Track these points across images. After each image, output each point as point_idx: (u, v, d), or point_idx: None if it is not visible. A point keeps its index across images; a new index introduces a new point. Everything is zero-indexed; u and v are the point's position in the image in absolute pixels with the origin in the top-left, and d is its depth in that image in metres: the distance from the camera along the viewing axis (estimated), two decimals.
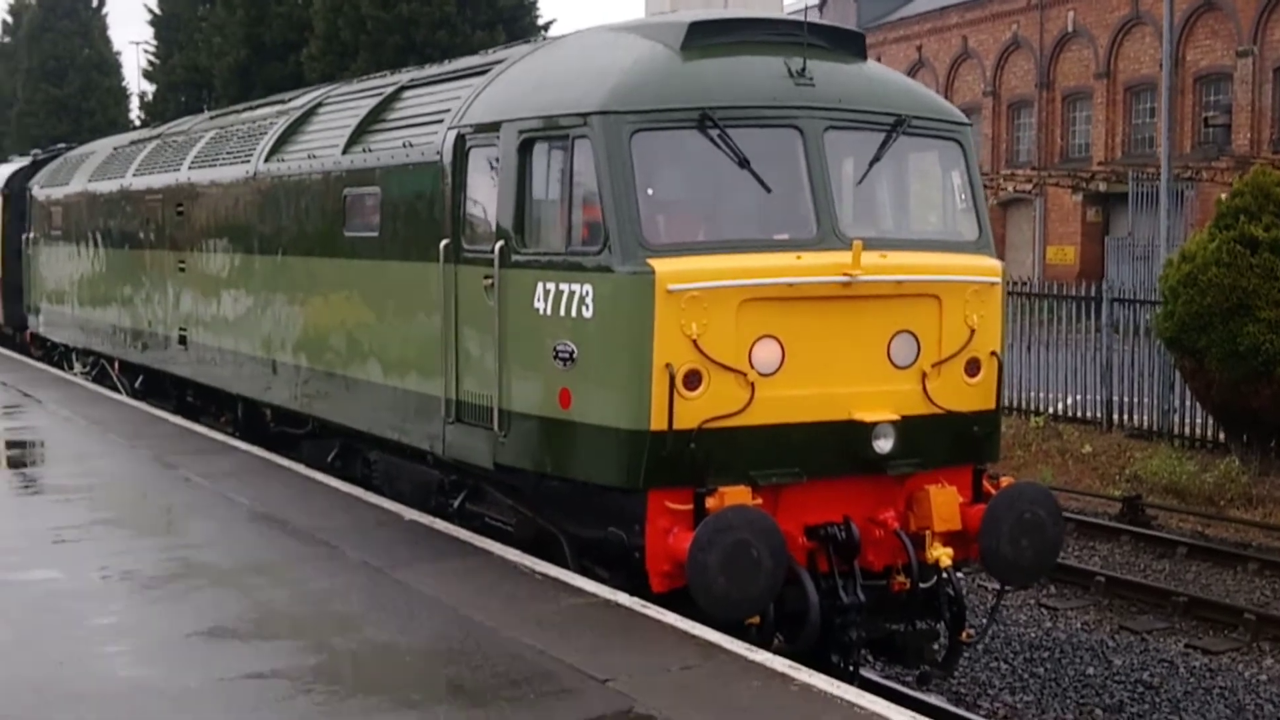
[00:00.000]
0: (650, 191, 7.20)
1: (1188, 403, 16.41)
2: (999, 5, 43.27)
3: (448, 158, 8.35)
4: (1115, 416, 17.60)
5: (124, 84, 50.80)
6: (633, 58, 7.57)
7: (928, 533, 7.48)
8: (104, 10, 50.25)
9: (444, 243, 8.28)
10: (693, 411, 6.93)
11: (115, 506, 9.61)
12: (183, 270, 13.51)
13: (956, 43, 45.26)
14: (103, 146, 19.09)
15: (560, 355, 7.30)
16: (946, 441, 7.60)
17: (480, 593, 7.07)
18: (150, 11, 38.28)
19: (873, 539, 7.45)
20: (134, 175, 15.50)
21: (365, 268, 9.57)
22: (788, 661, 6.05)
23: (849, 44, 8.07)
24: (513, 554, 7.85)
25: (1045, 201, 40.26)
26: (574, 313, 7.22)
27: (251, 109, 14.03)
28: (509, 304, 7.67)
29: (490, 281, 7.79)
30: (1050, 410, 18.27)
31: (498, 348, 7.76)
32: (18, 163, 24.63)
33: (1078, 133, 41.28)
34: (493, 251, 7.75)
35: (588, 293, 7.14)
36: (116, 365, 16.78)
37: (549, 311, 7.38)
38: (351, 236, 9.74)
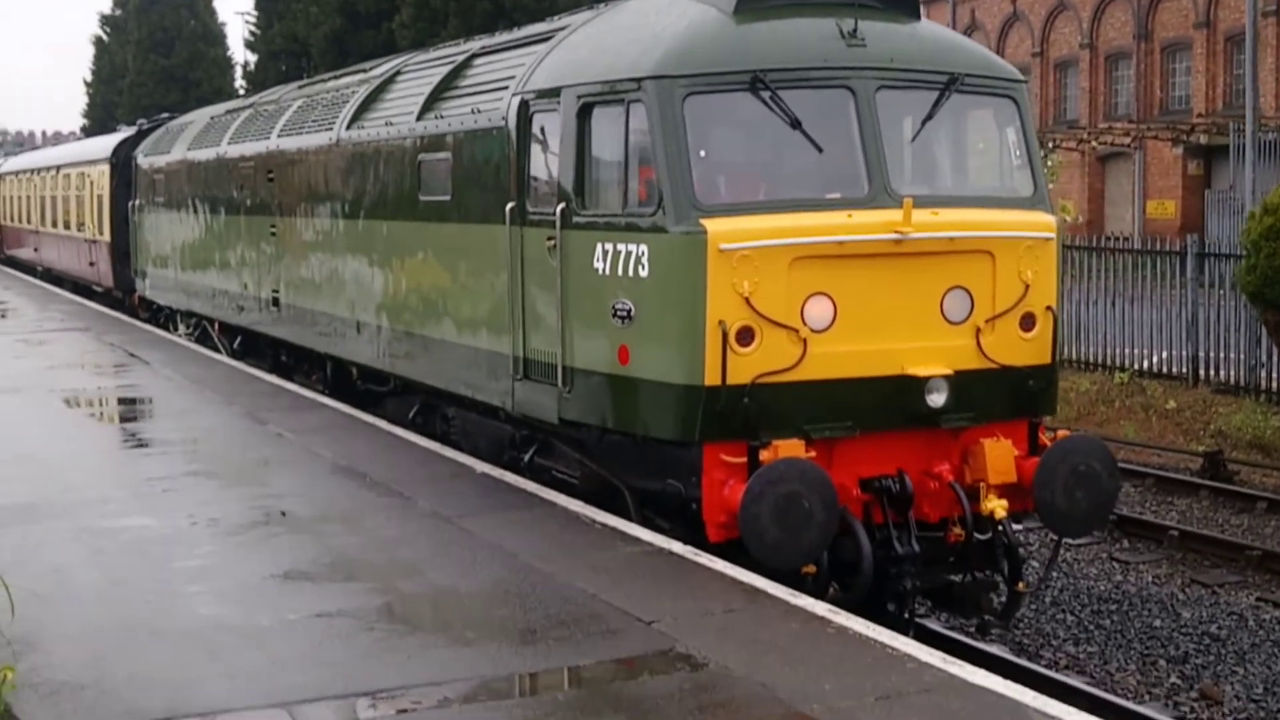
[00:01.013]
0: (703, 153, 7.38)
1: (1275, 357, 16.15)
2: None
3: (513, 123, 8.63)
4: (1201, 372, 17.37)
5: (229, 54, 52.13)
6: (685, 22, 7.74)
7: (982, 485, 7.58)
8: None
9: (510, 205, 8.57)
10: (746, 367, 7.13)
11: (209, 459, 10.11)
12: (274, 235, 14.00)
13: None
14: (201, 116, 19.71)
15: (619, 313, 7.55)
16: (1001, 395, 7.70)
17: (541, 541, 7.38)
18: None
19: (927, 491, 7.59)
20: (229, 144, 16.03)
21: (439, 231, 9.90)
22: (828, 606, 6.27)
23: (901, 4, 8.13)
24: (575, 505, 8.14)
25: (1145, 155, 39.33)
26: (631, 272, 7.46)
27: (336, 78, 14.44)
28: (570, 264, 7.93)
29: (553, 243, 8.05)
30: (1135, 366, 18.09)
31: (560, 307, 8.03)
32: (124, 132, 25.45)
33: (1177, 84, 40.20)
34: (554, 214, 8.01)
35: (643, 252, 7.37)
36: (216, 326, 17.42)
37: (608, 271, 7.63)
38: (426, 200, 10.08)
